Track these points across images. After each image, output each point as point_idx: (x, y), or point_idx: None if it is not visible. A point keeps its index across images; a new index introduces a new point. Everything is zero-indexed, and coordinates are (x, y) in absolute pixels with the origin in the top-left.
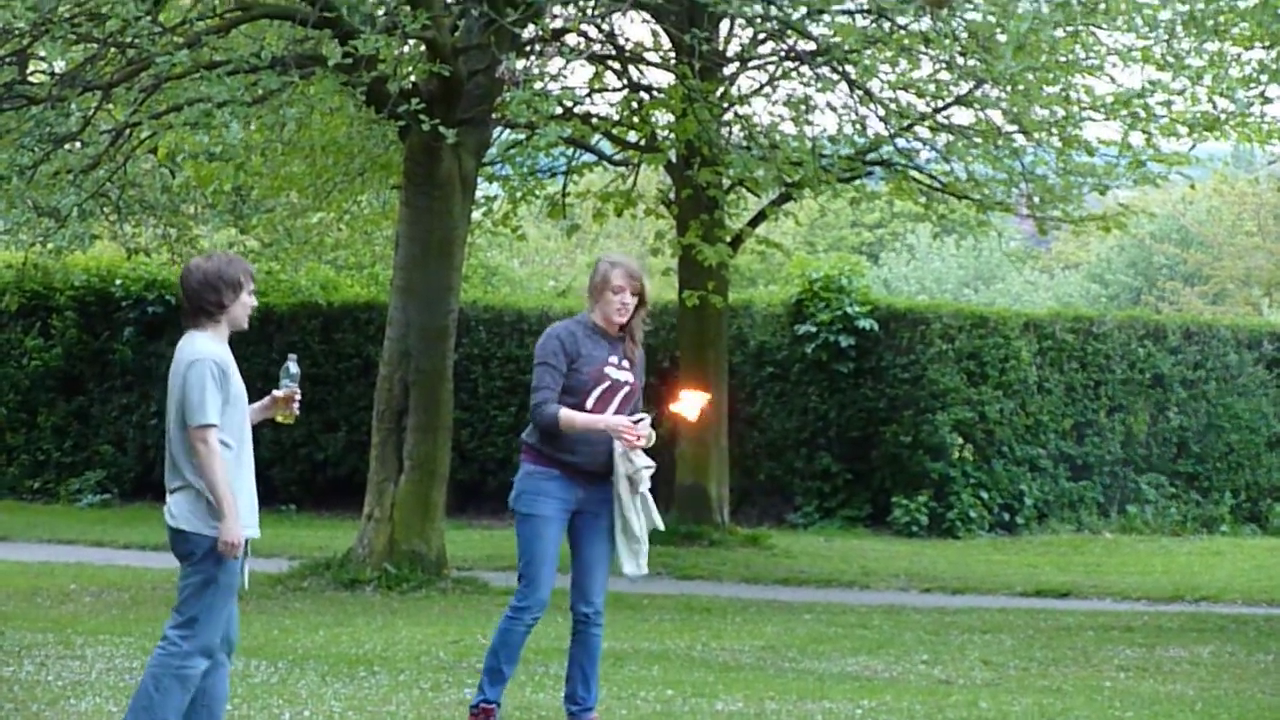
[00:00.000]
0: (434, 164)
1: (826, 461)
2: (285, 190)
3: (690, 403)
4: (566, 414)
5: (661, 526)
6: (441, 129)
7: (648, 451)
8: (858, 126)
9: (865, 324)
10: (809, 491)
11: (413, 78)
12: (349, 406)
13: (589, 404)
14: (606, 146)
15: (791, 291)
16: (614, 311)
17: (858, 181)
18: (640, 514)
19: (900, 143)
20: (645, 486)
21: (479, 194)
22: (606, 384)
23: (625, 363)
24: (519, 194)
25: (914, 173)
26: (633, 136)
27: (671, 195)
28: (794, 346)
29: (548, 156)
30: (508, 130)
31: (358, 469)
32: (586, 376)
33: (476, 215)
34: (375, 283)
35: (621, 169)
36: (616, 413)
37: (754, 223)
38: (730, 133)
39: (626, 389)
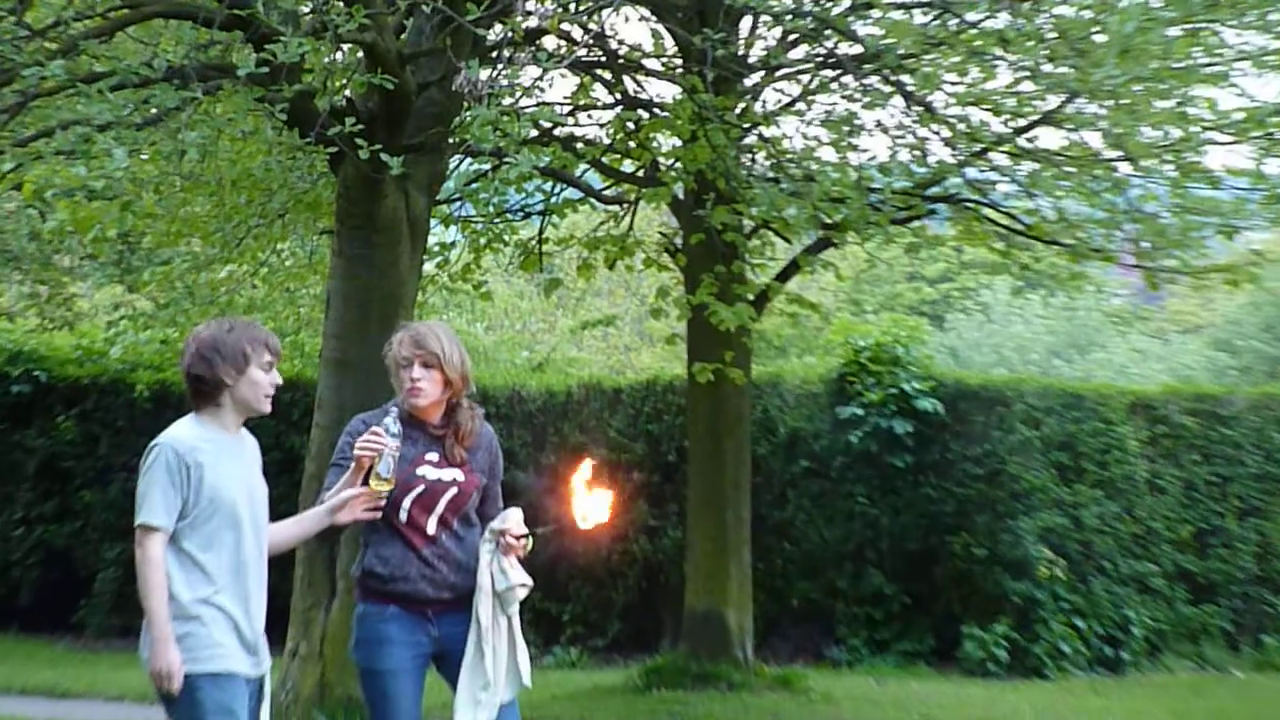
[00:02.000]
0: (375, 202)
1: (877, 580)
2: (185, 237)
3: (594, 502)
4: (329, 493)
5: (528, 684)
6: (384, 157)
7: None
8: (916, 153)
9: (927, 405)
10: (855, 619)
11: (347, 92)
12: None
13: (400, 515)
14: (595, 179)
15: (832, 364)
16: (404, 393)
17: (916, 223)
18: (500, 650)
19: (971, 173)
20: (514, 610)
21: (433, 240)
22: (420, 489)
23: (447, 460)
24: (484, 240)
25: (988, 211)
26: (628, 166)
27: (678, 241)
28: (836, 434)
29: (520, 192)
30: (469, 159)
31: (277, 592)
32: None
33: (429, 267)
34: (300, 354)
35: (614, 208)
36: (443, 519)
37: (784, 276)
38: (753, 161)
39: (453, 491)
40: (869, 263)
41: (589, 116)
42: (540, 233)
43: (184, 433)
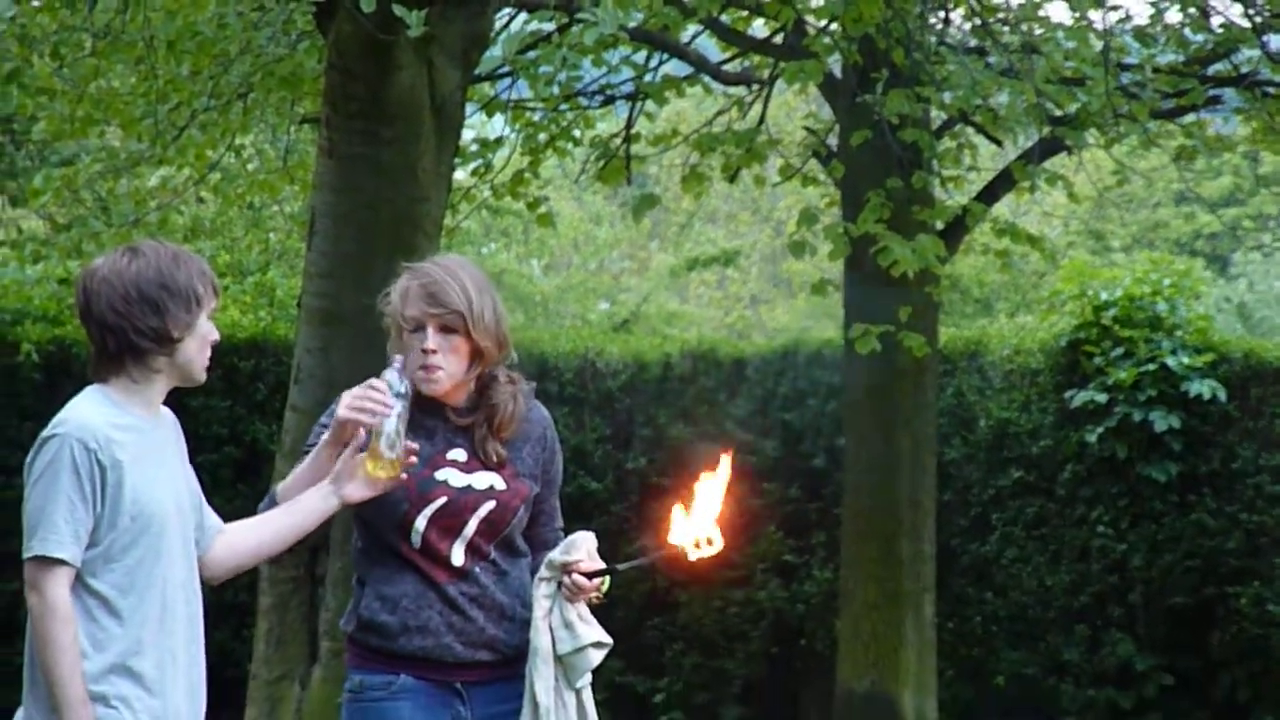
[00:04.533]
0: (383, 78)
1: (1125, 650)
2: (98, 124)
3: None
4: (284, 484)
5: None
6: (397, 9)
7: (599, 615)
8: (1192, 10)
9: (1203, 389)
10: (1091, 707)
11: None
12: None
13: (412, 539)
14: (710, 48)
15: (1061, 327)
16: (416, 370)
17: (1191, 116)
18: None
19: (1275, 42)
20: (585, 682)
21: (469, 135)
22: (440, 501)
23: (479, 460)
24: (544, 137)
25: None
26: (760, 29)
27: (833, 142)
28: (1063, 431)
29: (599, 65)
30: (524, 15)
31: (229, 657)
32: (398, 491)
33: (463, 176)
34: (269, 301)
35: (738, 91)
36: (474, 545)
37: (990, 195)
38: (946, 22)
39: (489, 505)
40: (1118, 176)
41: None
42: (628, 127)
43: (93, 416)
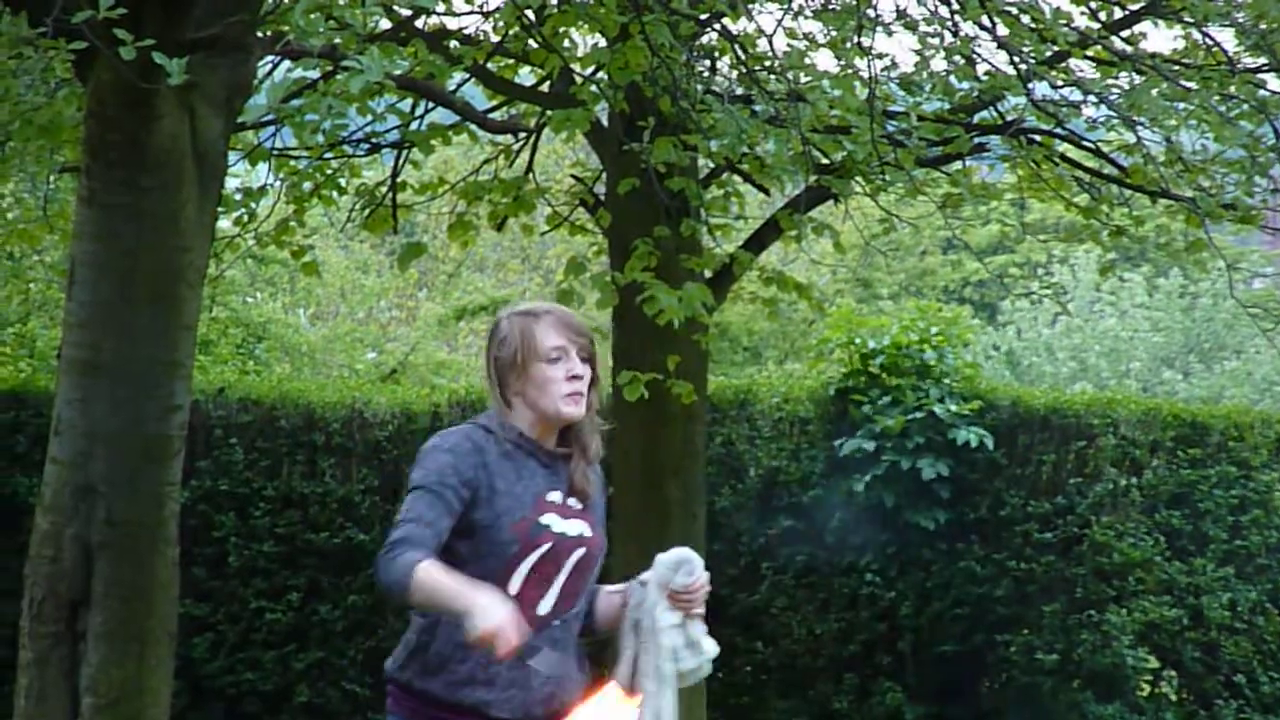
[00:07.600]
0: (144, 126)
1: (895, 699)
2: None
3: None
4: (428, 572)
5: None
6: (158, 58)
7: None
8: (958, 59)
9: (970, 437)
10: None
11: None
12: None
13: (513, 584)
14: (477, 96)
15: (830, 374)
16: (561, 398)
17: (957, 165)
18: None
19: (1040, 89)
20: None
21: (232, 184)
22: (546, 546)
23: (574, 500)
24: (309, 185)
25: (1065, 147)
26: (527, 77)
27: (600, 190)
28: (832, 480)
29: (364, 114)
30: (287, 64)
31: None
32: (509, 533)
33: (226, 224)
34: (29, 352)
35: (505, 139)
36: (567, 593)
37: (757, 244)
38: (713, 71)
39: (580, 553)
40: (885, 224)
41: (468, 1)
42: (394, 175)
43: None
